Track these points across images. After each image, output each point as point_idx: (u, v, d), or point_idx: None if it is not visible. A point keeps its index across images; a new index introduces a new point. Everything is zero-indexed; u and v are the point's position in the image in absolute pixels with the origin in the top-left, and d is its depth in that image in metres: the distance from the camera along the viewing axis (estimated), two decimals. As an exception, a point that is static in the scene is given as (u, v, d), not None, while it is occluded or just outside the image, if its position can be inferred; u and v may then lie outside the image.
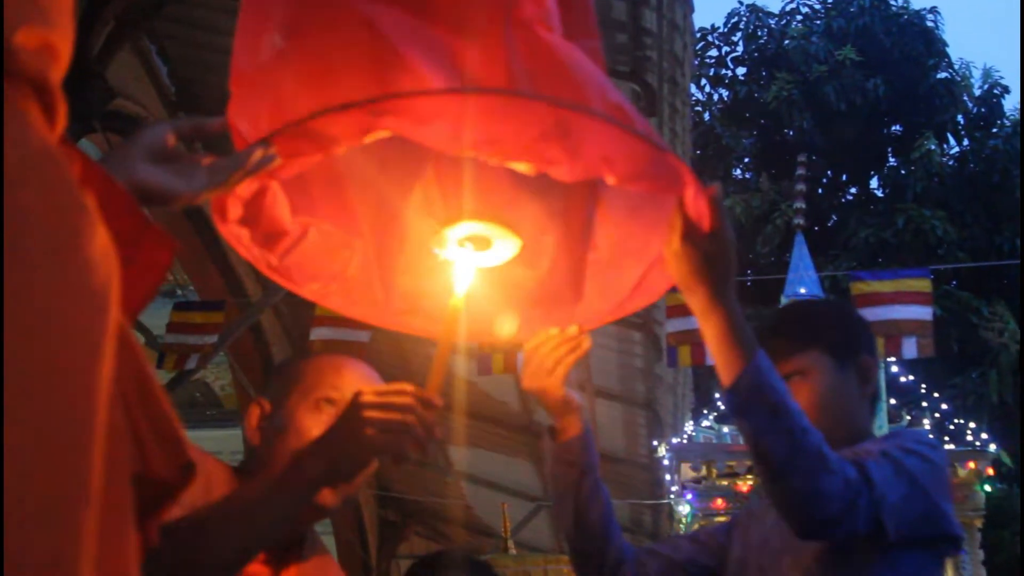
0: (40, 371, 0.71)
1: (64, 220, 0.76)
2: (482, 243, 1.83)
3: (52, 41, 0.81)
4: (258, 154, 1.51)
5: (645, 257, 1.93)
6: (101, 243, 0.80)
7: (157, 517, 1.04)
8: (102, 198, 0.93)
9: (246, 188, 1.65)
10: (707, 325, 1.93)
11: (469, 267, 1.84)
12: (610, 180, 1.63)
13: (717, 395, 17.15)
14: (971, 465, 13.70)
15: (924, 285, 7.39)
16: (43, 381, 0.71)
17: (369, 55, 1.56)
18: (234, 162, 1.51)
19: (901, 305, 7.19)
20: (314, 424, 1.93)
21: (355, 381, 2.00)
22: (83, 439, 0.74)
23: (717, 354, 1.94)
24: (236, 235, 1.76)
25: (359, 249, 1.95)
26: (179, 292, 10.27)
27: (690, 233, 1.80)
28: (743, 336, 1.91)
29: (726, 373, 1.93)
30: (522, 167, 1.61)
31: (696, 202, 1.73)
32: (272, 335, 9.85)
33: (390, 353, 8.62)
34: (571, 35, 1.66)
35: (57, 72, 0.82)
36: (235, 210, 1.70)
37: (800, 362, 2.19)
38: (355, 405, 1.68)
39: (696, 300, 1.92)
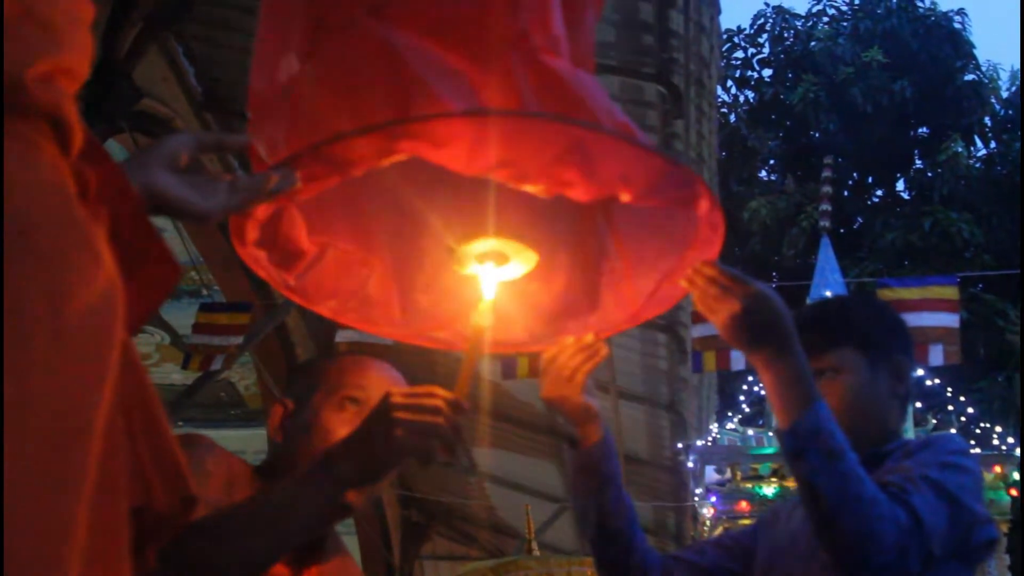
0: (36, 416, 0.71)
1: (66, 264, 0.76)
2: (500, 259, 1.84)
3: (65, 64, 0.81)
4: (276, 177, 1.52)
5: (659, 268, 1.94)
6: (104, 279, 0.80)
7: (155, 546, 1.05)
8: (116, 206, 0.93)
9: (263, 210, 1.66)
10: (767, 375, 1.96)
11: (491, 281, 1.85)
12: (625, 197, 1.64)
13: (742, 398, 17.15)
14: (997, 469, 13.63)
15: (951, 292, 7.37)
16: (38, 425, 0.71)
17: (387, 78, 1.57)
18: (253, 184, 1.50)
19: (928, 312, 7.17)
20: (338, 423, 1.94)
21: (379, 381, 2.00)
22: (73, 483, 0.74)
23: (776, 398, 1.96)
24: (254, 257, 1.77)
25: (377, 267, 1.96)
26: (205, 293, 10.30)
27: (730, 307, 1.90)
28: (805, 383, 1.94)
29: (784, 417, 1.94)
30: (539, 190, 1.62)
31: (711, 215, 1.73)
32: (297, 336, 9.88)
33: (415, 354, 8.62)
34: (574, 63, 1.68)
35: (71, 92, 0.82)
36: (253, 232, 1.71)
37: (833, 359, 2.18)
38: (385, 406, 1.68)
39: (757, 360, 1.97)
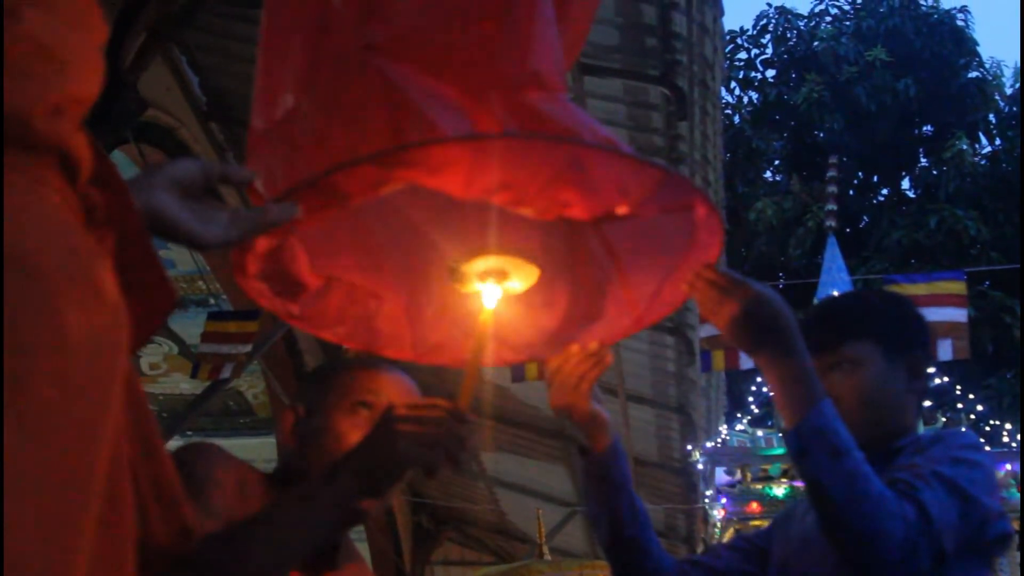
0: (37, 455, 0.71)
1: (66, 301, 0.76)
2: (501, 275, 1.85)
3: (72, 92, 0.80)
4: (275, 211, 1.52)
5: (659, 272, 1.94)
6: (106, 312, 0.79)
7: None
8: (121, 227, 0.93)
9: (263, 244, 1.66)
10: (770, 376, 1.97)
11: (492, 296, 1.86)
12: (622, 211, 1.65)
13: (751, 399, 17.11)
14: (1007, 467, 13.58)
15: (958, 287, 7.37)
16: (39, 466, 0.71)
17: (383, 108, 1.58)
18: (252, 217, 1.50)
19: (936, 308, 7.16)
20: (350, 428, 1.94)
21: (390, 385, 2.01)
22: (75, 521, 0.74)
23: (780, 398, 1.96)
24: (257, 289, 1.78)
25: (386, 300, 1.96)
26: (212, 302, 10.32)
27: (729, 308, 1.92)
28: (808, 382, 1.94)
29: (789, 416, 1.94)
30: (538, 213, 1.64)
31: (709, 220, 1.73)
32: (305, 344, 9.89)
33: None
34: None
35: (80, 116, 0.82)
36: (253, 266, 1.71)
37: (849, 351, 2.17)
38: (388, 418, 1.68)
39: (760, 361, 1.98)
